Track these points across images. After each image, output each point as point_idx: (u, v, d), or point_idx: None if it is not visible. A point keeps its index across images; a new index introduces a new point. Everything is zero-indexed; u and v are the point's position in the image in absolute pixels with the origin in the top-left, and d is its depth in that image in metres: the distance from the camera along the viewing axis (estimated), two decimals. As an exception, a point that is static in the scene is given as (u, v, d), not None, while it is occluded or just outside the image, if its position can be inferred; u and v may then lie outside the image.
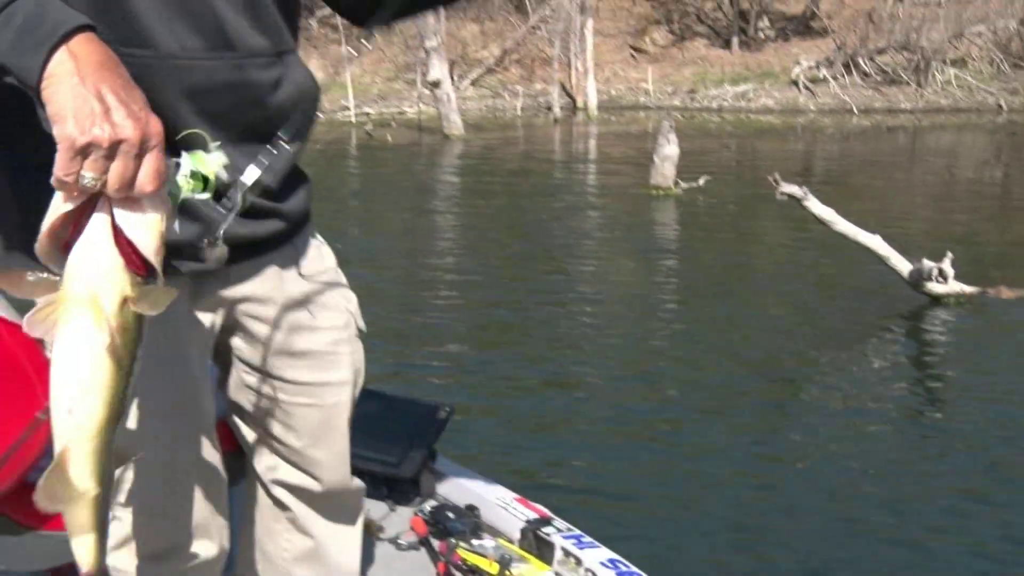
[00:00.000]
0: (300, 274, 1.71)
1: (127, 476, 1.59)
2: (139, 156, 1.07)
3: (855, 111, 22.84)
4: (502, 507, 2.44)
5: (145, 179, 1.08)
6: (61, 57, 1.07)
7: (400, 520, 2.49)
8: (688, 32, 28.01)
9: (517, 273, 8.05)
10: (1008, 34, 23.68)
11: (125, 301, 1.14)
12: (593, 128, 21.37)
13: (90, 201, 1.11)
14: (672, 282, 7.66)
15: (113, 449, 1.21)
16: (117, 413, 1.19)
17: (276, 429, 1.75)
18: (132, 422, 1.53)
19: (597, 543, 2.26)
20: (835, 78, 24.05)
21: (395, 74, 25.22)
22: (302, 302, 1.71)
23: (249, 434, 1.79)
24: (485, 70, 26.56)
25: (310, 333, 1.72)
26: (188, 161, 1.21)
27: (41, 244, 1.12)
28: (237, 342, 1.68)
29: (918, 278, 6.53)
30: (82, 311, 1.13)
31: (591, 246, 9.01)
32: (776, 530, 3.80)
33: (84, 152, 1.04)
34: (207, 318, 1.60)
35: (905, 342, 6.27)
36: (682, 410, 5.06)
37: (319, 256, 1.77)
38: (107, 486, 1.23)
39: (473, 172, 14.84)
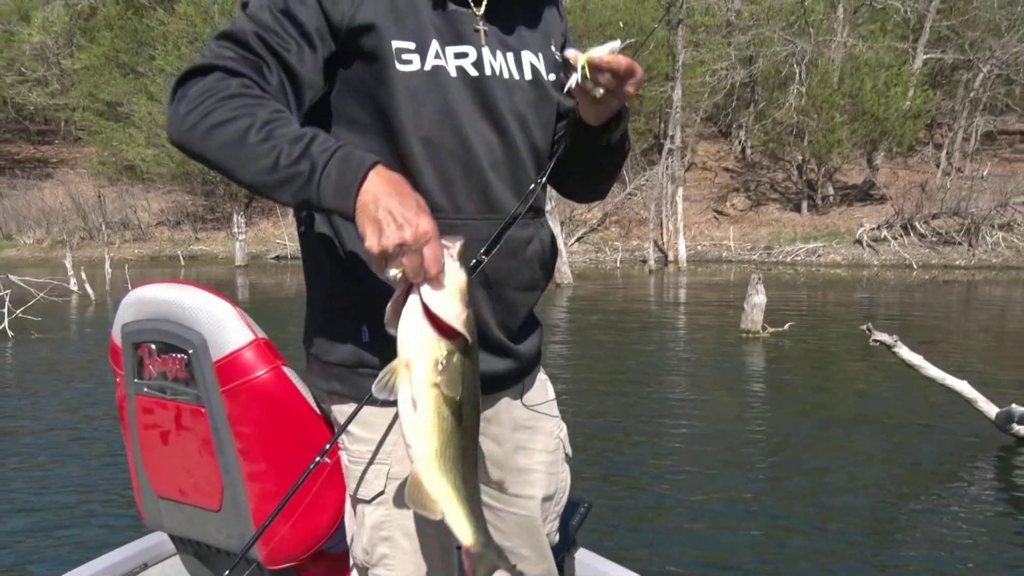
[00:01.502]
0: (524, 403, 1.77)
1: (391, 552, 1.64)
2: (419, 251, 1.22)
3: (914, 266, 22.49)
4: None
5: (428, 265, 1.22)
6: (362, 194, 1.25)
7: None
8: (763, 198, 28.12)
9: (624, 397, 7.94)
10: (1048, 204, 23.25)
11: (439, 363, 1.28)
12: (683, 278, 21.31)
13: (409, 286, 1.28)
14: (766, 412, 7.42)
15: (459, 468, 1.35)
16: (448, 445, 1.33)
17: (490, 528, 1.78)
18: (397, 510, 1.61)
19: None
20: (895, 238, 23.79)
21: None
22: (524, 427, 1.77)
23: None
24: (589, 229, 26.99)
25: (527, 454, 1.77)
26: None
27: (387, 320, 1.30)
28: None
29: (1006, 421, 6.16)
30: (404, 375, 1.29)
31: (693, 379, 8.86)
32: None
33: (385, 257, 1.22)
34: None
35: (995, 480, 5.78)
36: (780, 520, 4.84)
37: (543, 389, 1.84)
38: (462, 493, 1.37)
39: (582, 312, 14.88)
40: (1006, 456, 6.06)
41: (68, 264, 18.07)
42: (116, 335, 2.10)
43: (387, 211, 1.23)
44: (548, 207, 19.26)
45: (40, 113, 37.71)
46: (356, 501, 1.65)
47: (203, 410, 1.95)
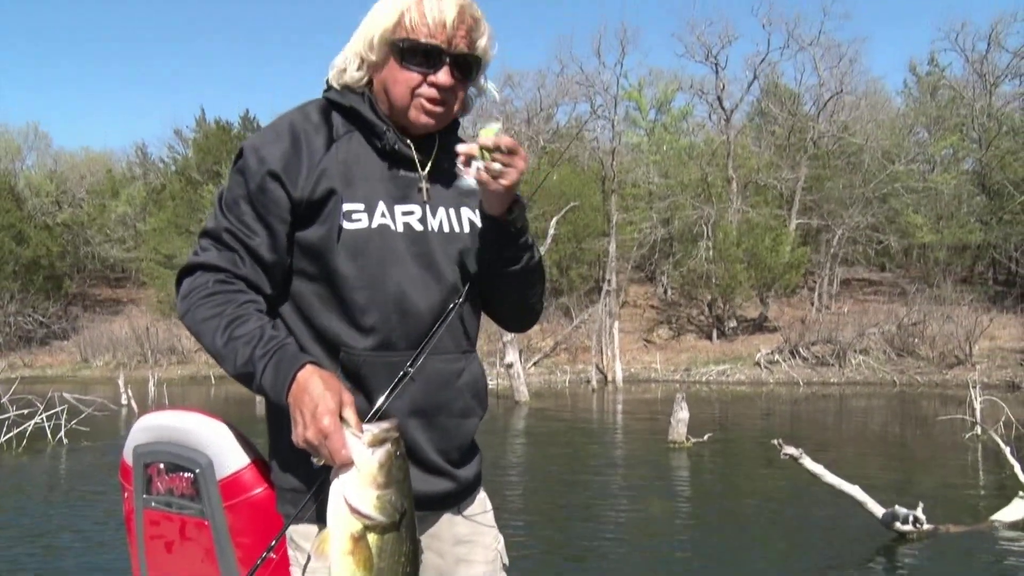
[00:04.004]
0: (464, 517, 1.61)
1: None
2: (323, 446, 1.18)
3: (801, 383, 22.55)
4: None
5: (331, 457, 1.18)
6: (289, 396, 1.25)
7: None
8: (682, 329, 28.35)
9: (568, 496, 7.66)
10: (891, 334, 23.82)
11: (354, 537, 1.16)
12: (620, 396, 21.10)
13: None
14: (690, 512, 7.13)
15: None
16: None
17: None
18: None
19: None
20: (785, 361, 23.98)
21: (481, 358, 25.38)
22: (464, 541, 1.60)
23: None
24: (543, 355, 26.83)
25: (467, 566, 1.59)
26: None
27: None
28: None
29: (891, 520, 5.90)
30: (325, 546, 1.18)
31: (629, 482, 8.55)
32: None
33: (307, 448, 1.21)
34: None
35: (883, 571, 5.51)
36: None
37: (481, 504, 1.67)
38: None
39: (537, 424, 14.60)
40: (892, 548, 5.80)
41: (121, 383, 17.96)
42: (128, 455, 1.94)
43: (299, 412, 1.22)
44: (507, 337, 19.05)
45: (118, 264, 38.70)
46: None
47: (207, 523, 1.80)
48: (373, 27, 1.42)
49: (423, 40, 1.39)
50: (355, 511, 1.16)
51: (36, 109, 78.32)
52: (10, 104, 65.89)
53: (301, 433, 1.20)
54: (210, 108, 73.19)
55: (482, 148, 1.34)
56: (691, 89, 32.63)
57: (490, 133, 1.34)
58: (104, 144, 76.64)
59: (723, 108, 31.03)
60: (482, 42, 1.45)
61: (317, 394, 1.21)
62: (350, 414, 1.21)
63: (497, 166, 1.35)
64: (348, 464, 1.16)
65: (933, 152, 30.11)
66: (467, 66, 1.44)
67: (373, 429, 1.19)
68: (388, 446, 1.19)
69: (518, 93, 32.57)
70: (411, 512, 1.23)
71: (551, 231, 23.12)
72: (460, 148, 1.37)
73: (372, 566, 1.17)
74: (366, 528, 1.16)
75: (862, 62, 40.92)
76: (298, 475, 1.47)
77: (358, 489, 1.16)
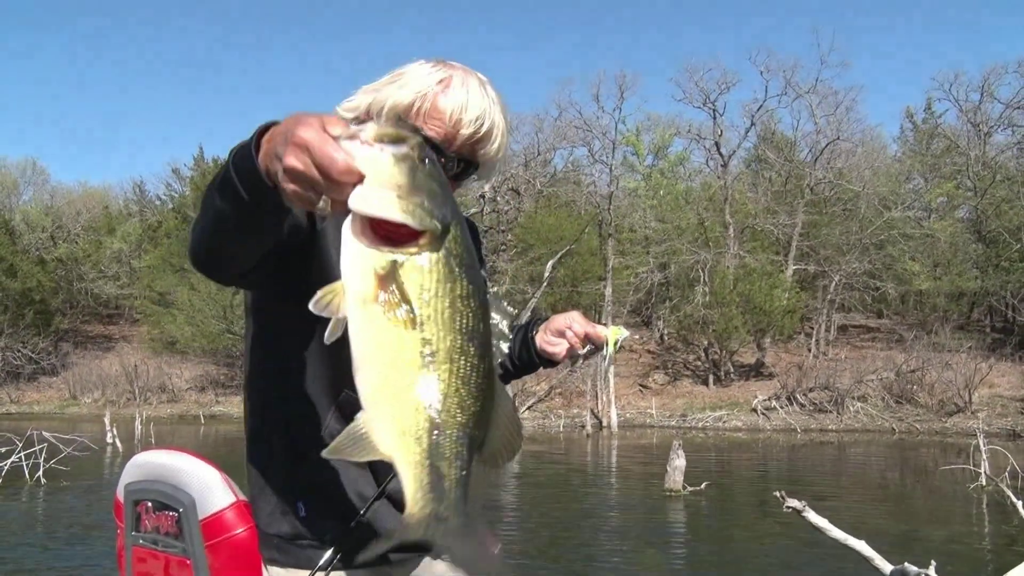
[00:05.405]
0: (443, 558, 1.59)
1: None
2: (311, 165, 0.85)
3: (798, 430, 22.39)
4: None
5: (328, 170, 0.83)
6: (262, 158, 0.95)
7: None
8: (678, 375, 28.26)
9: (563, 544, 7.50)
10: (890, 381, 23.78)
11: (379, 275, 0.80)
12: (615, 441, 20.92)
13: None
14: (689, 564, 6.98)
15: (421, 411, 0.82)
16: (390, 377, 0.81)
17: None
18: None
19: None
20: (782, 407, 23.87)
21: (478, 401, 25.22)
22: None
23: None
24: (537, 399, 26.66)
25: None
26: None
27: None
28: None
29: (899, 577, 5.76)
30: (340, 296, 0.84)
31: (625, 532, 8.39)
32: None
33: (298, 197, 0.88)
34: None
35: None
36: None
37: None
38: (422, 445, 0.80)
39: (531, 469, 14.40)
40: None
41: (107, 421, 17.73)
42: (120, 492, 1.95)
43: (273, 157, 0.91)
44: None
45: (112, 301, 38.49)
46: None
47: (188, 562, 1.79)
48: (386, 96, 1.40)
49: (423, 134, 1.35)
50: (369, 221, 0.79)
51: (35, 144, 79.10)
52: (8, 138, 66.57)
53: (282, 170, 0.87)
54: (208, 147, 73.82)
55: (615, 343, 1.69)
56: (689, 134, 33.07)
57: (622, 337, 1.73)
58: (102, 180, 77.41)
59: (720, 154, 31.43)
60: (488, 151, 1.42)
61: (285, 127, 0.91)
62: (337, 127, 0.85)
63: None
64: (351, 177, 0.81)
65: (929, 200, 30.46)
66: (462, 172, 1.43)
67: (377, 125, 0.84)
68: (405, 147, 0.83)
69: (515, 137, 32.97)
70: (463, 231, 0.85)
71: (547, 274, 23.21)
72: (598, 331, 1.70)
73: (414, 317, 0.79)
74: (395, 263, 0.79)
75: (858, 110, 41.68)
76: (282, 521, 1.45)
77: (373, 191, 0.79)
